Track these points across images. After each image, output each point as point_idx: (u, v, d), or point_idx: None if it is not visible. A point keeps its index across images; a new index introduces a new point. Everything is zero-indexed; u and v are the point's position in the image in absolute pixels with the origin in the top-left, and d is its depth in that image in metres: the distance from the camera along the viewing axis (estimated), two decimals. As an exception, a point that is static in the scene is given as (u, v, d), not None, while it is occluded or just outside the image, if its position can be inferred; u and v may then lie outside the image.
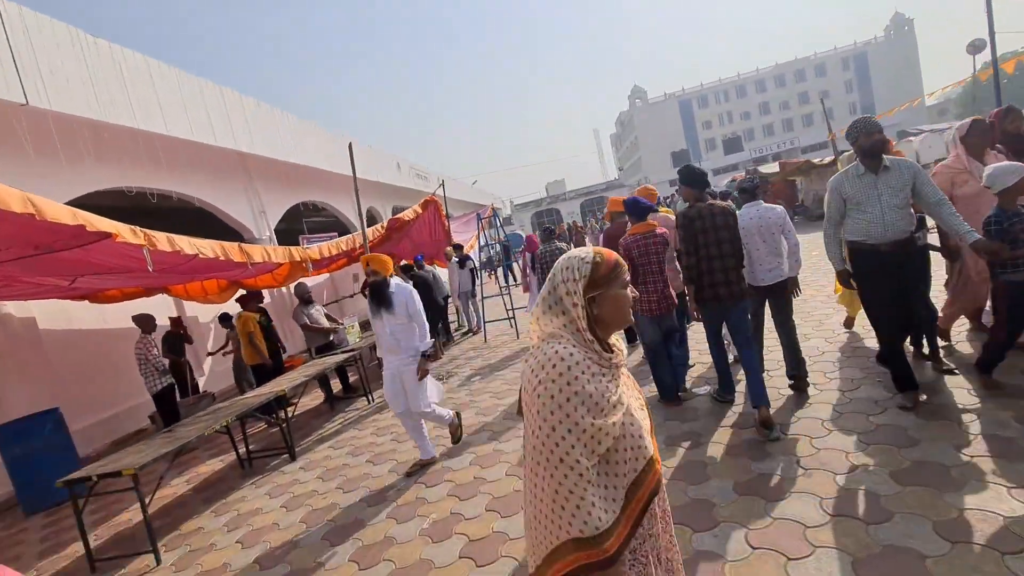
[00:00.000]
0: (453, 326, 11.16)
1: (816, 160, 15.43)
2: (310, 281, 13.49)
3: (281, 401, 6.80)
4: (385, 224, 8.75)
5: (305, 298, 7.16)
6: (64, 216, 3.32)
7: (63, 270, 4.53)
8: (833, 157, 14.21)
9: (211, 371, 10.26)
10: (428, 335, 4.09)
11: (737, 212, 3.80)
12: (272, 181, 12.80)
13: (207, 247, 4.73)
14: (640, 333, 4.31)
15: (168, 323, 7.85)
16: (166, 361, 6.62)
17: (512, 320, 8.89)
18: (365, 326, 8.21)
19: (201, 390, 10.01)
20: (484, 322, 9.15)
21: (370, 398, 6.59)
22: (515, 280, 16.80)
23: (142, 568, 3.54)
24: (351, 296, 13.38)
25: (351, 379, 7.47)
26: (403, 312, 3.96)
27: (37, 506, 5.35)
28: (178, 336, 7.96)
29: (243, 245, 5.29)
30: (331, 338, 7.17)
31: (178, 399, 7.43)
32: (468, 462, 4.04)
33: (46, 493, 5.26)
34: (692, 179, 3.76)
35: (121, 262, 4.34)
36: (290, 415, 5.54)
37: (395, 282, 4.09)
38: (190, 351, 8.03)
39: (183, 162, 9.35)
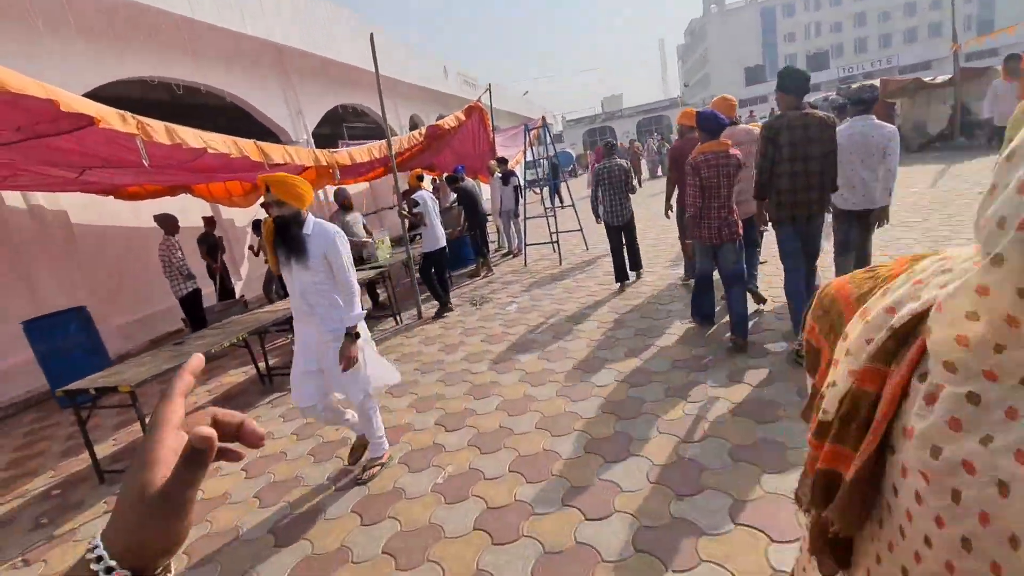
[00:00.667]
0: (493, 246, 10.58)
1: (928, 79, 13.10)
2: (349, 190, 13.07)
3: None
4: (423, 131, 7.93)
5: (344, 204, 6.63)
6: (31, 88, 2.77)
7: (59, 160, 4.09)
8: (950, 76, 12.00)
9: (248, 276, 10.22)
10: (357, 304, 2.80)
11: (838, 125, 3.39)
12: (310, 79, 11.98)
13: (218, 142, 4.17)
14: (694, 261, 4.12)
15: (202, 223, 7.63)
16: (190, 265, 6.35)
17: (555, 244, 8.18)
18: (400, 241, 7.68)
19: (238, 295, 10.06)
20: (525, 244, 8.48)
21: (398, 319, 6.20)
22: (561, 201, 15.86)
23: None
24: (391, 208, 12.88)
25: (380, 297, 7.10)
26: (321, 265, 2.75)
27: (68, 402, 5.37)
28: (212, 237, 7.73)
29: (260, 143, 4.70)
30: (362, 252, 6.72)
31: (216, 301, 7.34)
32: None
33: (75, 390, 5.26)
34: (791, 83, 3.29)
35: (118, 153, 3.85)
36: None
37: (314, 221, 2.79)
38: (226, 255, 7.83)
39: (210, 51, 8.64)
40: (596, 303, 5.50)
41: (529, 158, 11.41)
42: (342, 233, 2.79)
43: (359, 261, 6.71)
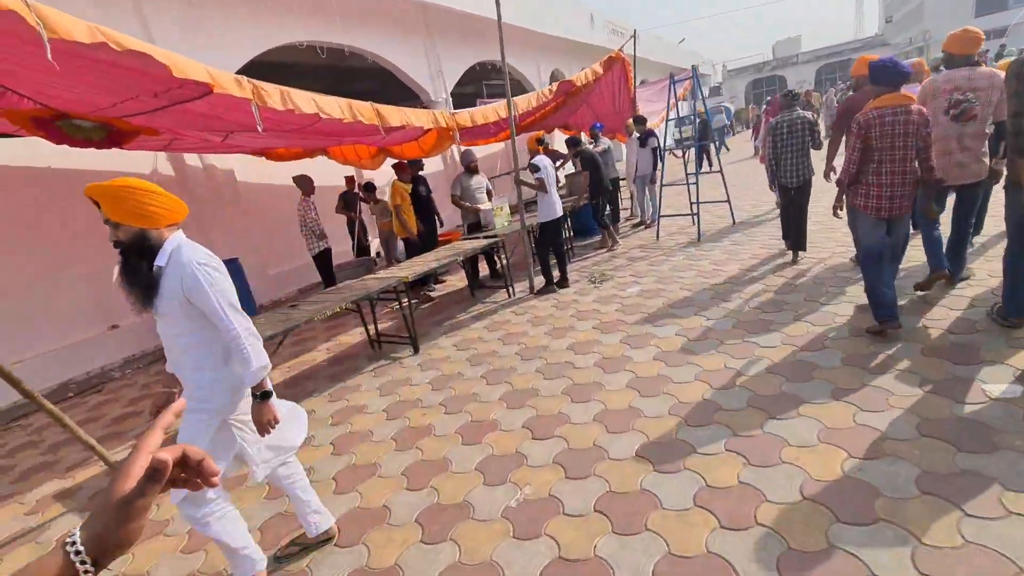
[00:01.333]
0: (624, 214, 9.72)
1: None
2: (481, 152, 13.00)
3: (427, 281, 6.59)
4: (554, 87, 7.31)
5: (468, 167, 6.42)
6: (137, 46, 2.79)
7: (201, 124, 4.34)
8: None
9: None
10: (256, 354, 1.93)
11: None
12: (451, 36, 11.89)
13: (332, 106, 4.08)
14: (857, 236, 3.49)
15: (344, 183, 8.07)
16: (325, 225, 6.68)
17: (695, 217, 7.13)
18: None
19: (374, 252, 10.66)
20: (659, 215, 7.55)
21: (510, 291, 5.90)
22: (710, 165, 14.11)
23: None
24: (509, 173, 12.56)
25: (498, 266, 6.84)
26: (179, 312, 1.91)
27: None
28: (352, 195, 8.14)
29: (377, 106, 4.56)
30: (480, 219, 6.48)
31: (354, 257, 7.78)
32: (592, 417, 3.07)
33: None
34: None
35: (241, 118, 3.93)
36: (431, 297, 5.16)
37: (173, 247, 1.92)
38: (365, 215, 8.19)
39: (355, 11, 8.85)
40: (734, 291, 4.59)
41: (675, 115, 10.16)
42: (214, 261, 1.93)
43: (476, 228, 6.50)
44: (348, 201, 8.05)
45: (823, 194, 7.72)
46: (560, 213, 5.60)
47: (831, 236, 5.82)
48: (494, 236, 5.75)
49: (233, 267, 6.17)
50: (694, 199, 7.21)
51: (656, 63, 24.38)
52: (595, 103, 10.90)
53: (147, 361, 6.43)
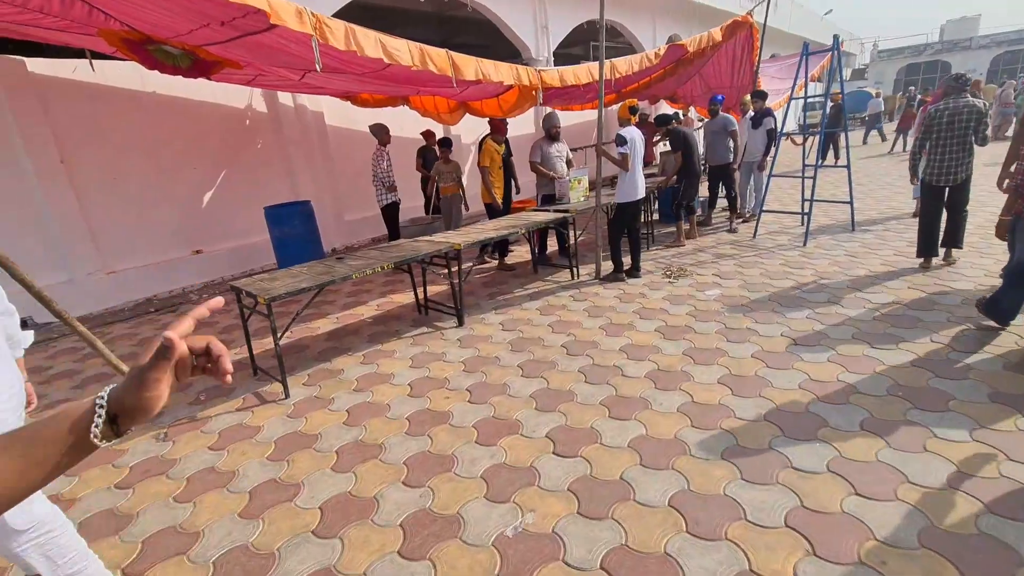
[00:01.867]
0: (722, 202, 8.71)
1: None
2: (570, 117, 12.22)
3: (502, 246, 6.21)
4: (661, 51, 6.49)
5: (549, 132, 5.91)
6: None
7: (273, 59, 4.20)
8: None
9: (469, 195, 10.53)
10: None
11: None
12: (561, -11, 11.10)
13: (402, 51, 3.76)
14: (1016, 246, 3.18)
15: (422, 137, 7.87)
16: (398, 178, 6.51)
17: (805, 216, 6.13)
18: (603, 183, 6.64)
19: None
20: (762, 208, 6.60)
21: (574, 273, 5.42)
22: (836, 157, 12.31)
23: (273, 394, 3.45)
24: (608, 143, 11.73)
25: (567, 243, 6.35)
26: None
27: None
28: (430, 150, 7.93)
29: (453, 54, 4.17)
30: (555, 188, 5.99)
31: (426, 214, 7.65)
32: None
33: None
34: None
35: (308, 54, 3.72)
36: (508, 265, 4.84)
37: None
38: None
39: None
40: (845, 301, 3.81)
41: (804, 94, 8.85)
42: None
43: (551, 200, 6.02)
44: (427, 158, 7.85)
45: (980, 205, 6.38)
46: (641, 195, 4.98)
47: (990, 252, 4.73)
48: (565, 211, 5.26)
49: (305, 209, 6.20)
50: (808, 195, 6.20)
51: (792, 35, 21.66)
52: (710, 74, 9.79)
53: (225, 288, 6.75)
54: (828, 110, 8.80)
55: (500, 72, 4.62)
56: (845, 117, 6.82)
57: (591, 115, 13.04)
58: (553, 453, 2.54)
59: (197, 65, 4.68)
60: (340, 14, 7.09)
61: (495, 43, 11.30)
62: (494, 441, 2.69)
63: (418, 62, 3.89)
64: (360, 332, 4.48)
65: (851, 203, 6.30)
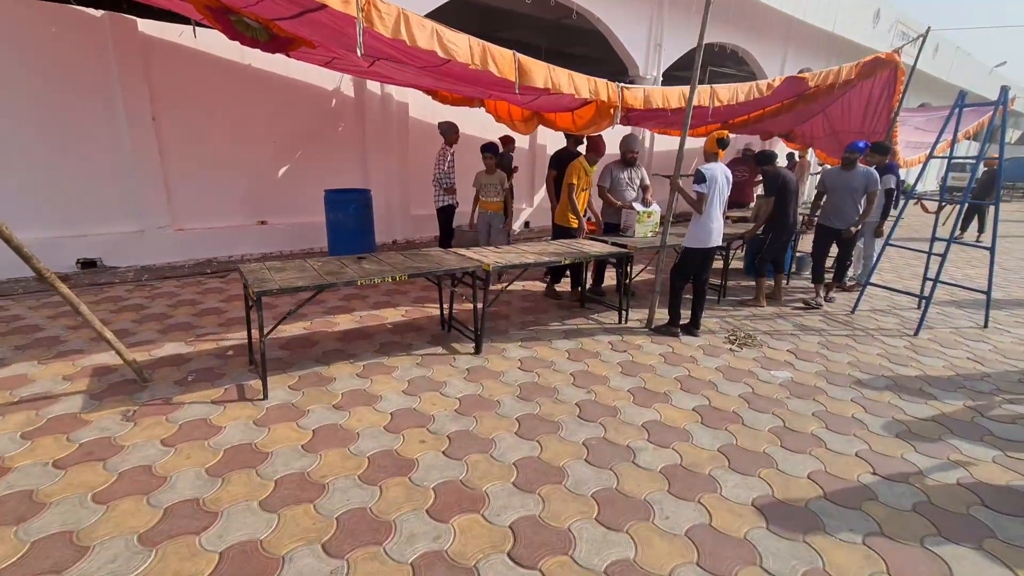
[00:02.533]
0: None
1: None
2: (668, 144, 11.36)
3: (556, 271, 5.67)
4: (776, 82, 5.66)
5: (625, 156, 5.32)
6: None
7: (337, 41, 4.00)
8: None
9: (539, 205, 10.10)
10: None
11: None
12: (682, 7, 10.39)
13: (461, 46, 3.40)
14: None
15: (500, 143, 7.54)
16: (453, 178, 6.19)
17: (923, 301, 5.03)
18: (675, 219, 5.85)
19: (524, 222, 10.10)
20: (868, 280, 5.53)
21: (623, 316, 4.79)
22: (980, 229, 10.41)
23: (254, 392, 3.21)
24: (686, 176, 10.74)
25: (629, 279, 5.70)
26: None
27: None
28: (506, 158, 7.58)
29: (522, 57, 3.75)
30: (621, 219, 5.38)
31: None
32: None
33: (340, 252, 5.81)
34: None
35: (347, 37, 3.46)
36: (498, 294, 4.39)
37: None
38: (524, 180, 7.54)
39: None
40: (956, 448, 2.91)
41: (948, 153, 7.47)
42: None
43: (613, 229, 5.42)
44: (504, 165, 7.50)
45: None
46: (715, 243, 4.26)
47: None
48: (623, 246, 4.65)
49: (363, 198, 6.08)
50: (932, 274, 5.10)
51: (951, 85, 19.04)
52: (836, 115, 8.60)
53: (282, 258, 6.81)
54: (979, 174, 7.33)
55: (575, 83, 4.13)
56: (999, 187, 5.56)
57: (693, 143, 12.12)
58: (508, 555, 2.02)
59: (275, 40, 4.64)
60: (442, 10, 6.98)
61: (609, 57, 10.77)
62: (447, 516, 2.22)
63: (478, 61, 3.51)
64: (373, 338, 4.18)
65: (988, 293, 5.08)
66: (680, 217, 5.63)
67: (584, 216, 5.30)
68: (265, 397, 3.13)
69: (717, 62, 14.11)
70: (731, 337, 4.47)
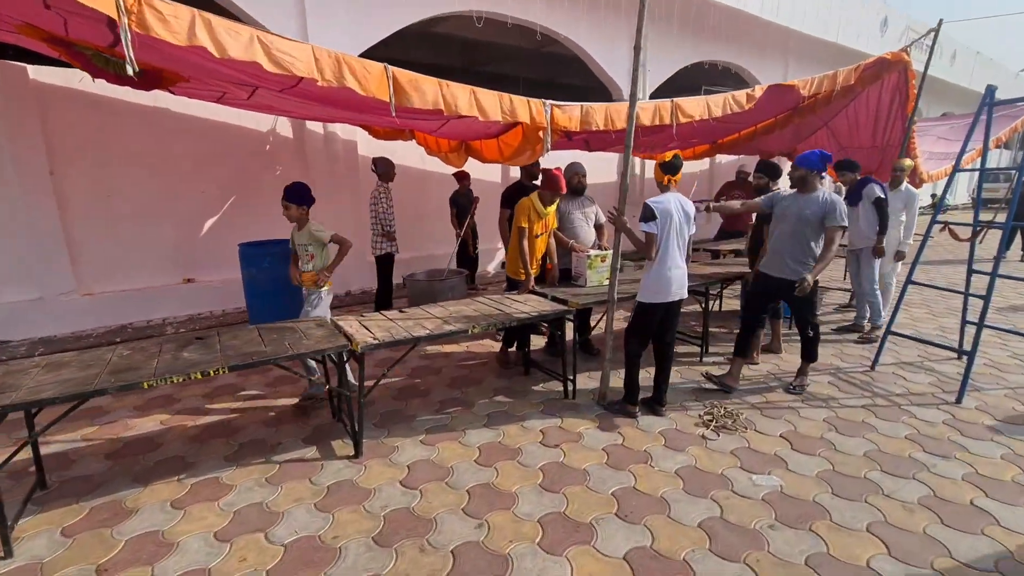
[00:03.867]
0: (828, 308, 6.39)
1: None
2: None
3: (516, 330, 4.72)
4: (757, 92, 4.75)
5: (572, 183, 4.34)
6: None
7: (200, 71, 3.26)
8: None
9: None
10: None
11: None
12: (665, 24, 9.67)
13: (301, 56, 2.60)
14: None
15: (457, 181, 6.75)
16: (393, 221, 5.38)
17: (965, 356, 3.88)
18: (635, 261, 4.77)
19: (502, 263, 9.17)
20: (889, 328, 4.39)
21: (569, 390, 3.77)
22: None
23: None
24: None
25: (569, 336, 4.69)
26: None
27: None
28: (464, 196, 6.77)
29: (397, 70, 2.93)
30: (572, 263, 4.44)
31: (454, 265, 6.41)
32: None
33: (265, 318, 4.98)
34: None
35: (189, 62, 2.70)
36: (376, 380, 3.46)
37: None
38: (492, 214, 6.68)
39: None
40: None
41: (978, 165, 6.30)
42: None
43: (567, 276, 4.46)
44: (461, 208, 6.69)
45: None
46: (676, 296, 3.26)
47: None
48: (563, 301, 3.68)
49: (276, 249, 5.26)
50: (974, 318, 3.97)
51: (973, 93, 17.77)
52: (841, 129, 7.60)
53: (208, 322, 6.03)
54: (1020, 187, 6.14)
55: (480, 103, 3.27)
56: (1051, 203, 4.45)
57: (699, 166, 11.13)
58: None
59: (148, 76, 3.96)
60: (423, 45, 6.43)
61: (601, 84, 10.03)
62: None
63: (331, 76, 2.70)
64: (237, 435, 3.26)
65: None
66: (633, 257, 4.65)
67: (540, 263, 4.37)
68: (9, 556, 2.21)
69: (713, 81, 13.30)
70: (706, 416, 3.40)
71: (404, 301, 6.48)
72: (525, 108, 3.46)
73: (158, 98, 5.61)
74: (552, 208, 4.11)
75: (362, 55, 6.68)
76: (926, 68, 5.82)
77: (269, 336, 2.98)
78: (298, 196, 3.45)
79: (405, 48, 10.58)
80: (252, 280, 5.20)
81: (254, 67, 2.50)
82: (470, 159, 5.46)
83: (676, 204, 3.19)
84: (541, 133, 3.64)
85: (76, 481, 2.76)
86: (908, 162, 5.42)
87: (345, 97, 3.00)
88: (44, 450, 2.96)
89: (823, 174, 3.62)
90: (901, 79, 5.90)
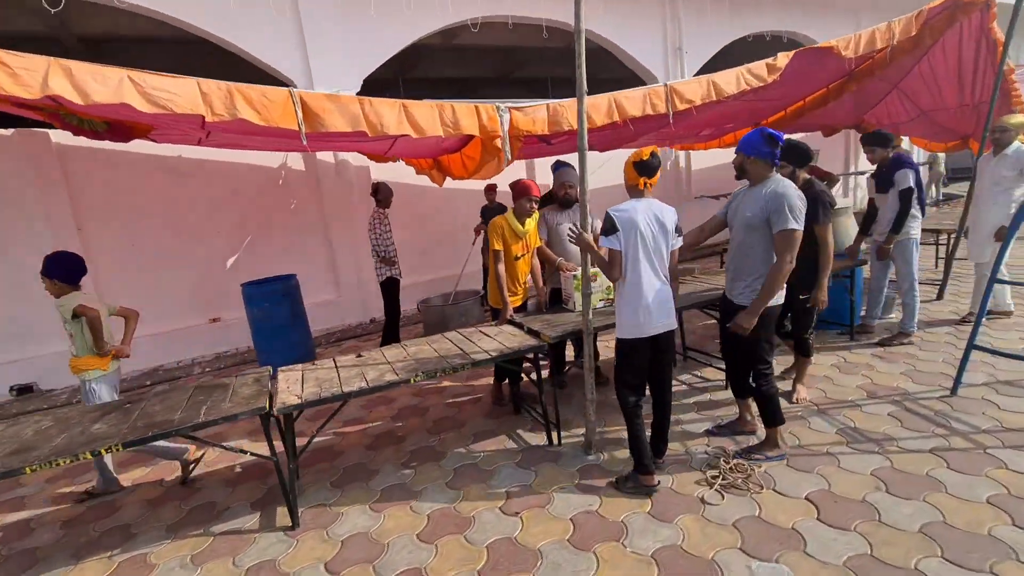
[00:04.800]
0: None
1: None
2: (701, 160, 9.47)
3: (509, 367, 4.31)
4: (781, 60, 3.99)
5: (559, 194, 3.83)
6: None
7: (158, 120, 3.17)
8: None
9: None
10: None
11: None
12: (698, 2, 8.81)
13: (183, 92, 2.37)
14: None
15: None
16: (394, 246, 5.13)
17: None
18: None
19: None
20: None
21: (552, 436, 3.24)
22: None
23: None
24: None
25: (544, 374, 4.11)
26: None
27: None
28: (492, 211, 6.44)
29: (305, 94, 2.62)
30: (561, 283, 3.89)
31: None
32: None
33: (271, 356, 4.92)
34: None
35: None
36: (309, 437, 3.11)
37: None
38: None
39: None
40: None
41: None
42: None
43: (556, 297, 3.93)
44: (488, 217, 6.35)
45: None
46: (656, 328, 2.61)
47: None
48: (536, 333, 3.18)
49: (282, 288, 5.17)
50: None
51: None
52: (917, 90, 6.33)
53: (239, 359, 6.12)
54: None
55: (412, 117, 2.87)
56: None
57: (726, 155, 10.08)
58: None
59: (114, 128, 3.99)
60: (459, 63, 6.24)
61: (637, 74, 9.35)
62: None
63: (222, 110, 2.43)
64: (189, 500, 3.09)
65: None
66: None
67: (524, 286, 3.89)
68: None
69: (768, 54, 11.96)
70: (711, 472, 2.73)
71: (420, 328, 6.26)
72: (472, 117, 3.02)
73: (171, 145, 5.79)
74: (532, 224, 3.63)
75: (373, 75, 6.72)
76: (1017, 9, 4.63)
77: (198, 397, 2.76)
78: (45, 268, 3.13)
79: (433, 64, 10.50)
80: (255, 319, 5.15)
81: (128, 109, 2.29)
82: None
83: (646, 213, 2.58)
84: (498, 142, 3.16)
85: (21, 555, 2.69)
86: (1018, 118, 4.31)
87: (250, 128, 2.73)
88: None
89: (811, 162, 2.87)
90: (982, 19, 4.76)
